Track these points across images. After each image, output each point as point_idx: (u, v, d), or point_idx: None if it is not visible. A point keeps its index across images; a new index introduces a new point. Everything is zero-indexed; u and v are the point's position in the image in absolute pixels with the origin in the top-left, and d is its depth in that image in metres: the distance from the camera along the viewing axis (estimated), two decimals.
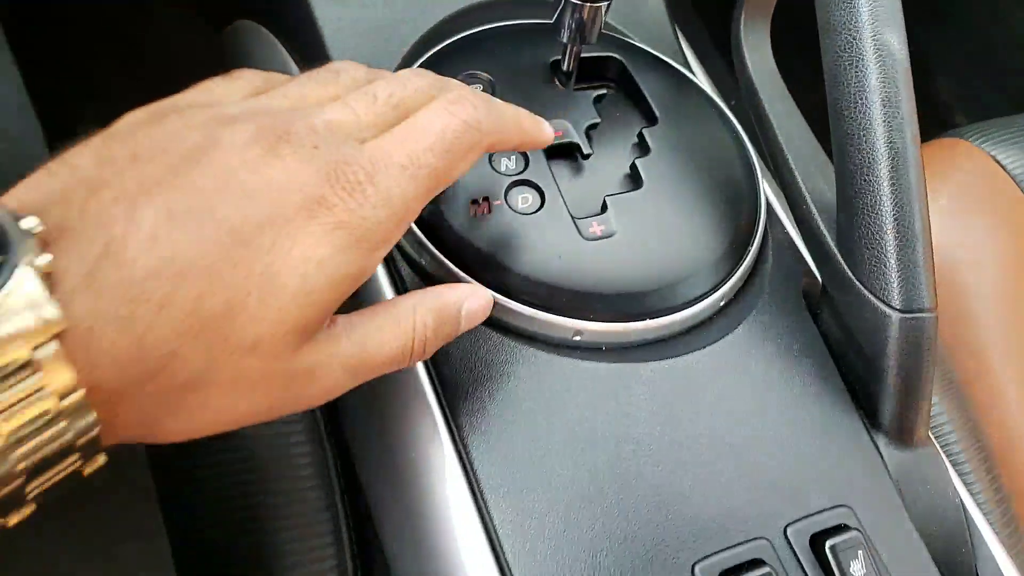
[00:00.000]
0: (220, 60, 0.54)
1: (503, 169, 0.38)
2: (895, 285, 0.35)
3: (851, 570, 0.32)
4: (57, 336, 0.21)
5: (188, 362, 0.24)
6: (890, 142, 0.35)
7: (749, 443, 0.35)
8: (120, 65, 0.67)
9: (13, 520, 0.23)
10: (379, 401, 0.34)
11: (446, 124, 0.29)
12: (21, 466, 0.21)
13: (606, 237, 0.37)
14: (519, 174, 0.38)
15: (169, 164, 0.25)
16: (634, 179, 0.39)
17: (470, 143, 0.29)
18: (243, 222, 0.24)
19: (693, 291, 0.37)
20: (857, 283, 0.36)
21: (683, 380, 0.36)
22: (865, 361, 0.37)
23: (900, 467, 0.37)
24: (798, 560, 0.32)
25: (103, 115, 0.27)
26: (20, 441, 0.21)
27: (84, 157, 0.25)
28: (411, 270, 0.37)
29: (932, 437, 0.39)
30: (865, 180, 0.35)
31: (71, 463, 0.23)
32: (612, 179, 0.40)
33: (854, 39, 0.35)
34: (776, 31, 0.45)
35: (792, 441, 0.36)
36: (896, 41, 0.35)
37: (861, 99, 0.35)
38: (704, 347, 0.37)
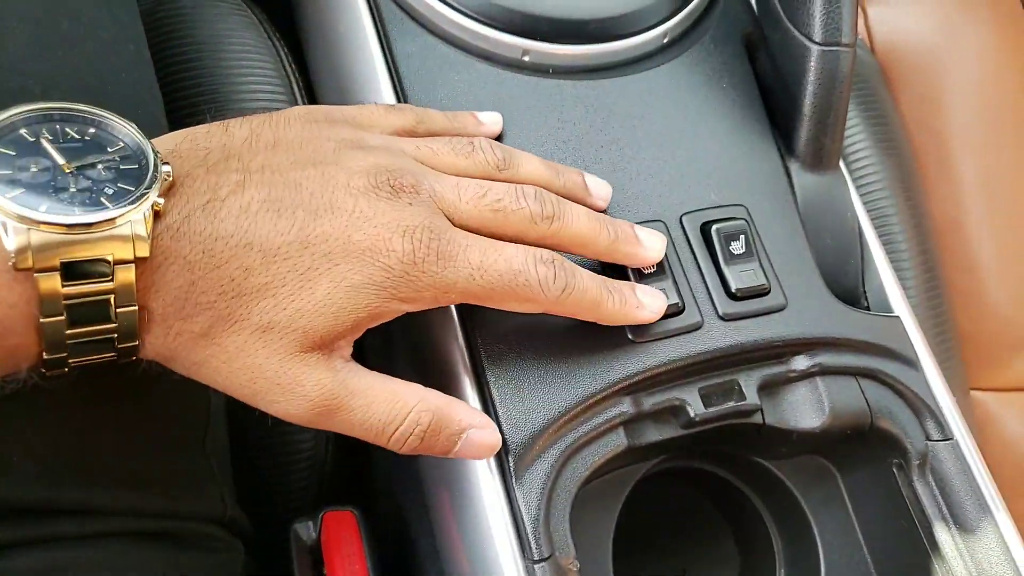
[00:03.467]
0: None
1: None
2: (816, 20, 0.39)
3: (730, 247, 0.38)
4: (138, 261, 0.26)
5: (212, 318, 0.28)
6: None
7: (666, 152, 0.40)
8: None
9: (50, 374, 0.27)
10: None
11: (525, 272, 0.30)
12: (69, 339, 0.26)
13: None
14: None
15: (294, 159, 0.29)
16: None
17: (529, 297, 0.31)
18: (313, 229, 0.28)
19: (636, 23, 0.42)
20: (785, 19, 0.40)
21: (619, 96, 0.41)
22: (788, 93, 0.41)
23: (805, 188, 0.42)
24: (687, 239, 0.38)
25: None
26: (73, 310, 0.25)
27: (242, 129, 0.30)
28: None
29: (844, 167, 0.44)
30: None
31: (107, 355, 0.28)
32: None
33: None
34: None
35: (704, 152, 0.41)
36: None
37: None
38: (642, 72, 0.42)
